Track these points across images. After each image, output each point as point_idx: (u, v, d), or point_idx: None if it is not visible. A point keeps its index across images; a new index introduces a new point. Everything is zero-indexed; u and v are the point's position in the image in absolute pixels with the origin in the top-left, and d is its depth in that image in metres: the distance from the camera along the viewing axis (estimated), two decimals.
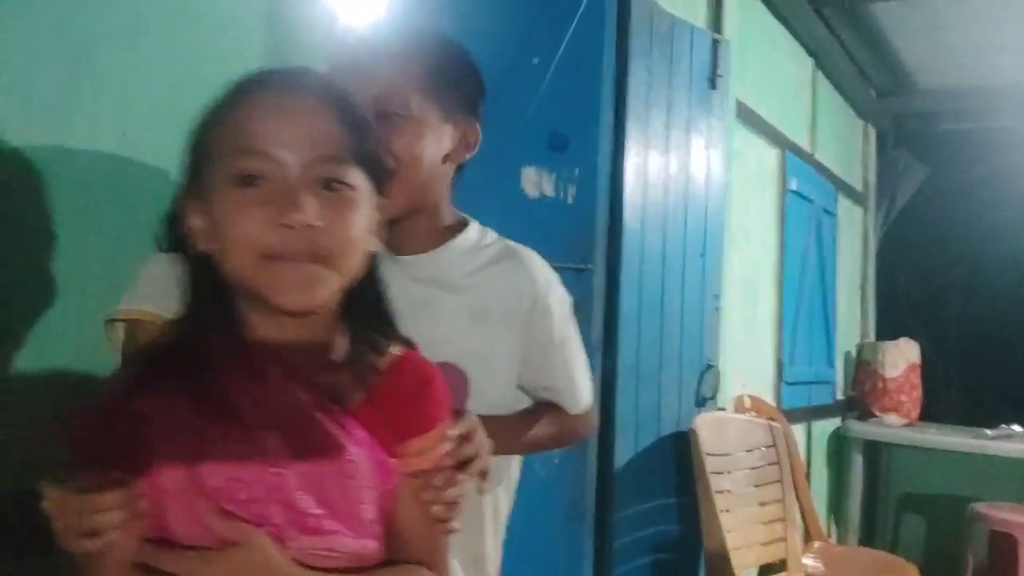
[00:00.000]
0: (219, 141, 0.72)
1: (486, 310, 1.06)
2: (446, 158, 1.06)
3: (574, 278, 1.88)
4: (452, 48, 1.06)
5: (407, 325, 0.93)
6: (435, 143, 1.02)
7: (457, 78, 1.04)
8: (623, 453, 2.38)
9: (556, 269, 1.91)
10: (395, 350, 0.80)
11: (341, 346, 0.77)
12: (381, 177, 0.78)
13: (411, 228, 1.04)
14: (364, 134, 0.76)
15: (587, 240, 1.92)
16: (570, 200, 1.89)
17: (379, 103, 0.96)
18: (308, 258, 0.69)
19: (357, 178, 0.73)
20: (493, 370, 1.07)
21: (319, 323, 0.76)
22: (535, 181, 1.84)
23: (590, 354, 1.99)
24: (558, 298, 1.15)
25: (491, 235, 1.14)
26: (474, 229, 1.12)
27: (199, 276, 0.75)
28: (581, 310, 1.96)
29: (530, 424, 1.13)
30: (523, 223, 1.84)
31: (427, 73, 1.00)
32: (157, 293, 0.95)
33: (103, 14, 1.27)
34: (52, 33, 1.20)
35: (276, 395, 0.72)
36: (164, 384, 0.71)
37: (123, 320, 0.99)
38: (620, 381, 2.34)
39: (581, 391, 1.19)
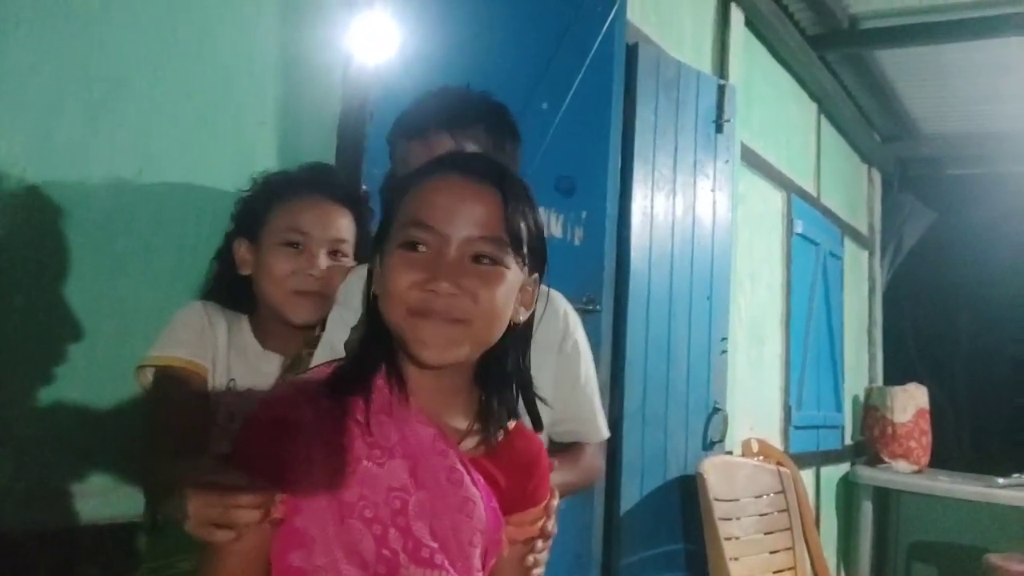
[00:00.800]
0: (401, 208, 0.83)
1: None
2: None
3: (583, 320, 1.88)
4: (502, 119, 1.25)
5: None
6: None
7: (506, 135, 1.24)
8: (629, 498, 2.34)
9: None
10: (526, 416, 0.89)
11: (473, 403, 0.86)
12: (534, 254, 0.85)
13: None
14: (520, 215, 0.83)
15: (595, 281, 1.93)
16: (577, 242, 1.90)
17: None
18: (447, 320, 0.78)
19: (507, 257, 0.81)
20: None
21: (459, 377, 0.85)
22: (544, 224, 1.85)
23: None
24: (583, 334, 1.27)
25: None
26: None
27: (373, 315, 0.85)
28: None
29: (572, 465, 1.21)
30: None
31: (495, 135, 1.21)
32: (191, 339, 1.16)
33: (124, 58, 1.30)
34: (74, 75, 1.23)
35: (414, 428, 0.81)
36: (325, 400, 0.79)
37: (153, 365, 1.14)
38: (626, 424, 2.33)
39: (602, 421, 1.30)
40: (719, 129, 2.83)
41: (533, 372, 1.10)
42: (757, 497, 2.82)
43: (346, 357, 0.88)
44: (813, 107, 4.38)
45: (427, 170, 0.85)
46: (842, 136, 4.79)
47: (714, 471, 2.59)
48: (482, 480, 0.82)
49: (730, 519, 2.63)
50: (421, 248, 0.80)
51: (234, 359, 1.20)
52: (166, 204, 1.35)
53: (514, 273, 0.82)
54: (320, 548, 0.75)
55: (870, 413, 4.52)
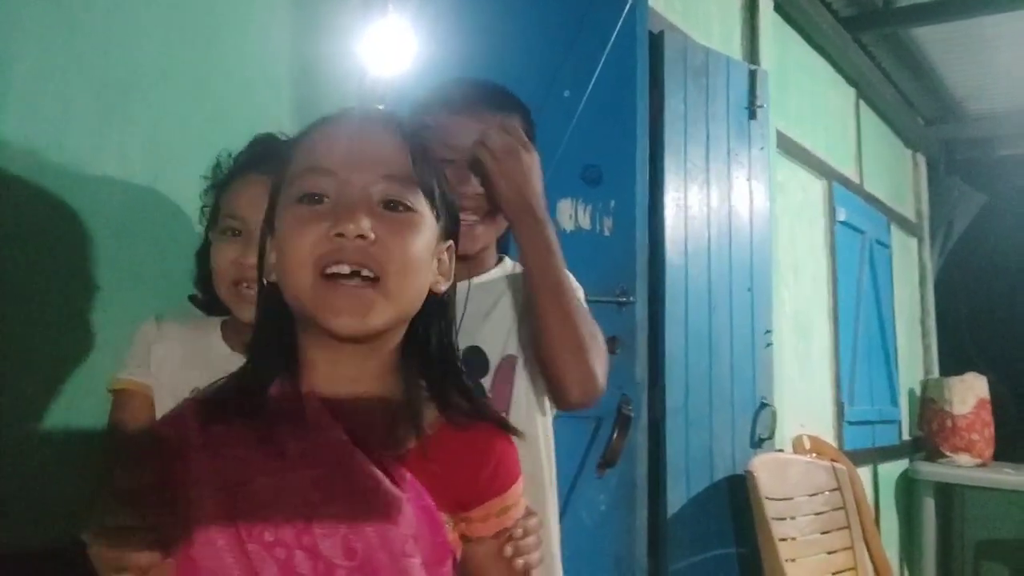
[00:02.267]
0: (289, 168, 0.74)
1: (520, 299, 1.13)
2: None
3: (615, 312, 1.81)
4: (529, 110, 1.19)
5: (477, 332, 1.06)
6: None
7: (533, 136, 1.16)
8: (675, 499, 2.25)
9: (597, 302, 1.86)
10: (460, 401, 0.77)
11: (397, 393, 0.75)
12: (448, 217, 0.78)
13: (464, 264, 1.11)
14: (431, 168, 0.76)
15: (627, 272, 1.85)
16: (607, 232, 1.83)
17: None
18: (359, 272, 0.68)
19: (420, 204, 0.73)
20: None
21: (376, 362, 0.74)
22: (571, 214, 1.79)
23: (635, 392, 1.93)
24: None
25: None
26: (509, 260, 1.20)
27: (265, 310, 0.76)
28: (624, 344, 1.89)
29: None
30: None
31: (520, 127, 1.11)
32: (133, 360, 1.11)
33: (136, 64, 1.29)
34: (86, 81, 1.22)
35: (320, 433, 0.69)
36: (215, 414, 0.70)
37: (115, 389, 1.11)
38: (669, 422, 2.24)
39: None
40: (752, 115, 2.74)
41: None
42: (812, 495, 2.70)
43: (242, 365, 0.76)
44: (851, 91, 4.24)
45: (314, 123, 0.75)
46: (883, 120, 4.63)
47: (764, 469, 2.48)
48: (410, 478, 0.70)
49: (784, 519, 2.52)
50: (324, 200, 0.70)
51: (195, 368, 1.06)
52: (180, 211, 1.32)
53: (429, 225, 0.73)
54: None
55: (927, 406, 4.33)
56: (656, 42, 2.37)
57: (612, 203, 1.85)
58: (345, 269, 0.68)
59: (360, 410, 0.71)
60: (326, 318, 0.68)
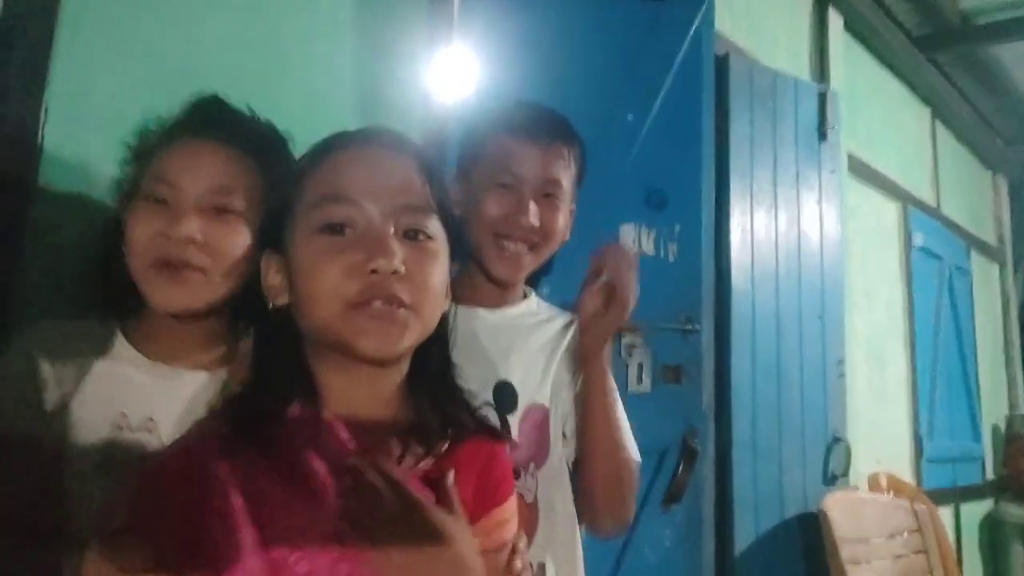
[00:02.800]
0: (303, 194, 0.72)
1: (554, 350, 1.12)
2: (564, 232, 1.15)
3: (680, 340, 1.76)
4: (583, 144, 1.16)
5: (497, 370, 1.03)
6: (568, 220, 1.12)
7: (584, 166, 1.14)
8: (743, 537, 2.15)
9: (661, 330, 1.82)
10: (464, 416, 0.78)
11: (407, 413, 0.75)
12: (453, 236, 0.78)
13: (495, 290, 1.11)
14: (443, 190, 0.77)
15: (692, 299, 1.80)
16: (672, 258, 1.79)
17: (547, 186, 1.07)
18: (392, 303, 0.69)
19: (437, 230, 0.73)
20: (562, 403, 1.10)
21: (388, 383, 0.74)
22: (634, 238, 1.76)
23: (702, 424, 1.86)
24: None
25: (546, 304, 1.20)
26: (535, 296, 1.19)
27: (277, 334, 0.74)
28: (689, 374, 1.83)
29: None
30: None
31: (578, 165, 1.12)
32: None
33: (198, 84, 1.31)
34: (157, 102, 1.25)
35: (339, 454, 0.69)
36: (231, 443, 0.67)
37: None
38: (736, 454, 2.15)
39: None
40: (822, 137, 2.66)
41: (560, 380, 1.08)
42: (890, 537, 2.55)
43: (247, 385, 0.74)
44: (926, 112, 4.08)
45: (327, 145, 0.74)
46: (960, 141, 4.44)
47: (838, 508, 2.35)
48: (432, 496, 0.70)
49: (859, 562, 2.38)
50: (347, 231, 0.69)
51: (93, 390, 0.89)
52: None
53: (444, 249, 0.74)
54: None
55: (1013, 442, 4.08)
56: (721, 66, 2.33)
57: (677, 228, 1.81)
58: (379, 304, 0.68)
59: (375, 431, 0.71)
60: (357, 341, 0.68)
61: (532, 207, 1.04)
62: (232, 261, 0.89)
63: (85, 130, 1.14)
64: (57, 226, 1.10)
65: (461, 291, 0.93)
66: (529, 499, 1.00)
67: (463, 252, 0.85)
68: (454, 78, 1.70)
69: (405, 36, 1.65)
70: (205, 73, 1.30)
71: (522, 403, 1.05)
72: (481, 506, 0.74)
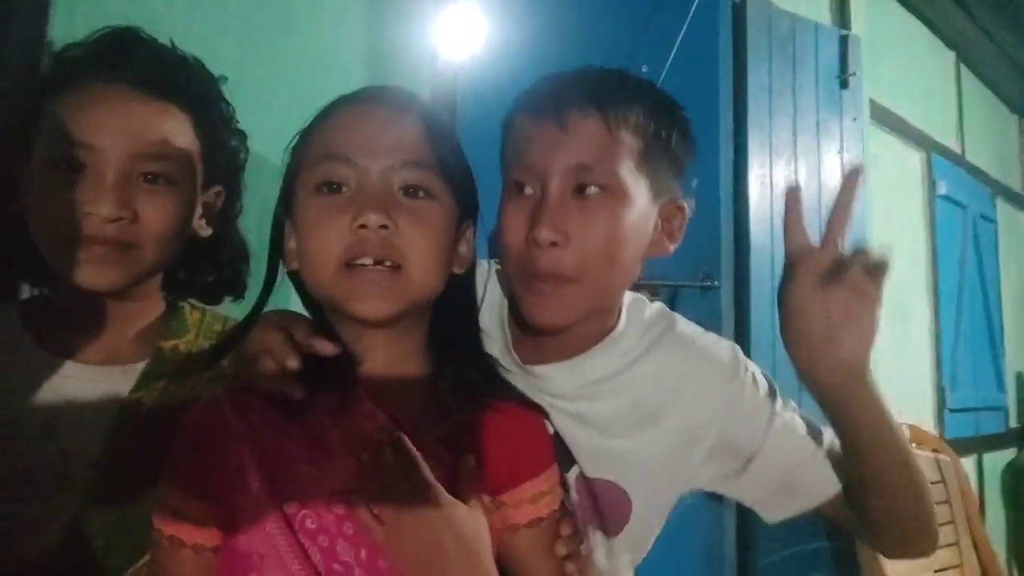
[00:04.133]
0: (306, 154, 0.73)
1: (655, 416, 0.84)
2: (648, 249, 0.83)
3: (698, 297, 1.73)
4: (664, 98, 0.82)
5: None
6: (641, 228, 0.80)
7: (672, 141, 0.80)
8: None
9: (679, 288, 1.79)
10: (480, 382, 0.75)
11: (429, 371, 0.75)
12: (467, 197, 0.75)
13: (565, 336, 0.81)
14: (449, 147, 0.74)
15: (711, 256, 1.77)
16: (689, 213, 1.75)
17: (580, 173, 0.75)
18: (383, 261, 0.68)
19: (439, 188, 0.72)
20: (658, 480, 0.87)
21: (405, 346, 0.74)
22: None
23: None
24: (753, 384, 0.92)
25: (667, 317, 0.90)
26: (623, 322, 0.87)
27: (301, 297, 0.77)
28: (707, 331, 1.80)
29: None
30: None
31: (645, 133, 0.77)
32: None
33: (214, 57, 1.29)
34: None
35: (356, 420, 0.69)
36: (253, 402, 0.70)
37: None
38: None
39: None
40: (844, 84, 2.57)
41: (653, 452, 0.85)
42: None
43: None
44: (950, 55, 3.95)
45: (331, 106, 0.74)
46: (986, 85, 4.31)
47: None
48: (448, 461, 0.69)
49: None
50: (344, 189, 0.69)
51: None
52: (256, 195, 1.33)
53: (448, 210, 0.72)
54: (273, 567, 0.65)
55: None
56: (738, 11, 2.24)
57: (694, 182, 1.76)
58: (368, 261, 0.68)
59: (393, 395, 0.71)
60: (350, 304, 0.69)
61: (549, 215, 0.74)
62: (165, 238, 0.79)
63: None
64: None
65: (522, 346, 0.83)
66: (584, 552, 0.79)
67: (473, 211, 0.76)
68: (463, 34, 1.66)
69: None
70: (213, 34, 1.28)
71: (581, 468, 0.85)
72: (510, 476, 0.72)
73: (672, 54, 1.76)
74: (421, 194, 0.70)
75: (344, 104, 0.73)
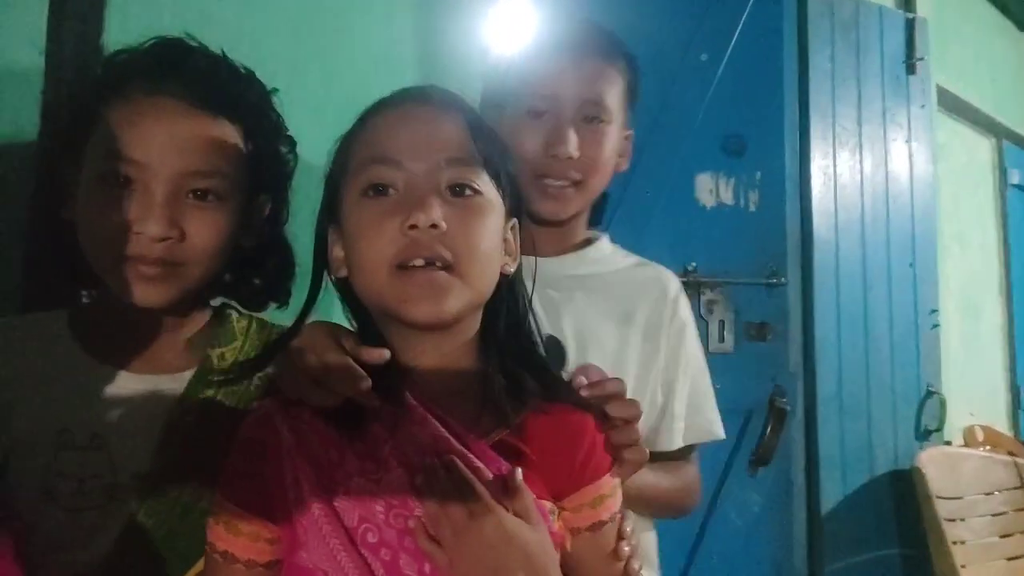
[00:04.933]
0: (350, 159, 0.72)
1: (629, 314, 0.99)
2: (616, 163, 1.02)
3: (764, 294, 1.66)
4: (628, 50, 1.02)
5: (555, 321, 0.94)
6: (616, 148, 1.00)
7: (637, 84, 1.01)
8: (830, 495, 2.06)
9: (744, 285, 1.72)
10: (534, 384, 0.73)
11: (481, 376, 0.72)
12: (512, 194, 0.75)
13: (550, 234, 0.99)
14: (494, 145, 0.73)
15: (777, 251, 1.69)
16: (753, 207, 1.68)
17: (585, 107, 0.94)
18: (434, 263, 0.66)
19: (486, 185, 0.71)
20: (634, 380, 0.97)
21: (456, 349, 0.72)
22: (711, 188, 1.65)
23: (790, 383, 1.77)
24: (693, 321, 1.06)
25: (623, 251, 1.08)
26: (606, 241, 1.06)
27: (346, 306, 0.76)
28: (775, 330, 1.73)
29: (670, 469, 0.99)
30: (699, 235, 1.66)
31: (627, 81, 0.99)
32: None
33: (267, 57, 1.28)
34: None
35: (408, 431, 0.67)
36: (303, 413, 0.68)
37: None
38: (821, 412, 2.05)
39: (717, 418, 1.06)
40: (911, 70, 2.45)
41: (630, 350, 0.97)
42: (988, 494, 2.41)
43: None
44: (1021, 37, 3.76)
45: (372, 109, 0.72)
46: None
47: (934, 464, 2.23)
48: (506, 467, 0.66)
49: (955, 520, 2.26)
50: (391, 192, 0.68)
51: (35, 399, 0.77)
52: (306, 200, 1.31)
53: (496, 206, 0.71)
54: None
55: None
56: None
57: (758, 175, 1.70)
58: (420, 262, 0.66)
59: (446, 400, 0.70)
60: (405, 309, 0.67)
61: (571, 135, 0.92)
62: (212, 253, 0.78)
63: None
64: None
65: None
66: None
67: (520, 209, 0.77)
68: (514, 29, 1.62)
69: None
70: (264, 34, 1.27)
71: (572, 358, 0.96)
72: (570, 481, 0.70)
73: (732, 43, 1.69)
74: (468, 192, 0.69)
75: (384, 107, 0.72)
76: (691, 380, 1.03)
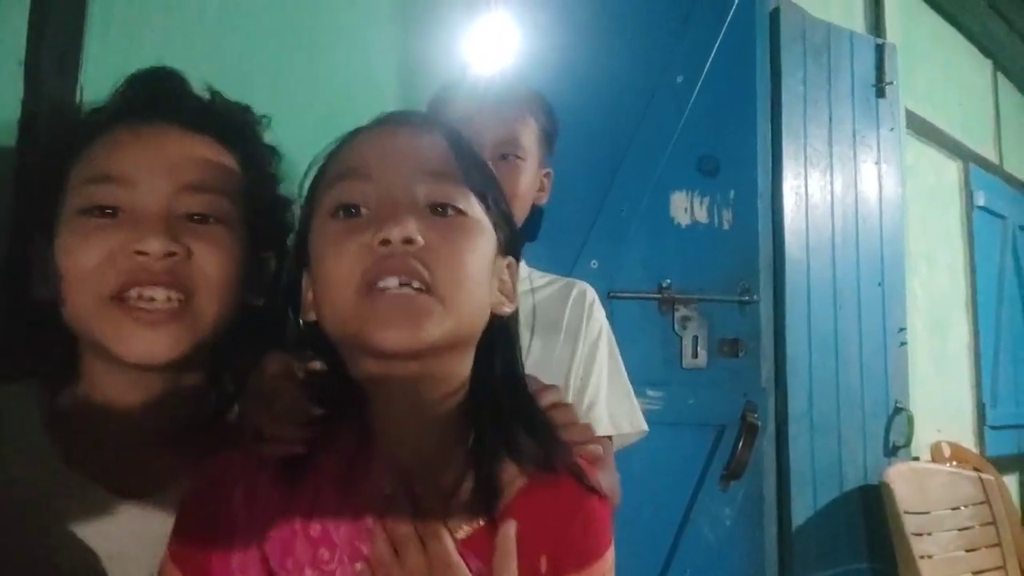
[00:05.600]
0: (320, 184, 0.64)
1: (555, 323, 1.07)
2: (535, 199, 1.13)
3: (737, 311, 1.69)
4: (548, 102, 1.14)
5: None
6: (533, 184, 1.09)
7: (553, 129, 1.13)
8: (800, 511, 2.09)
9: (717, 302, 1.75)
10: (530, 447, 0.64)
11: (467, 436, 0.63)
12: (506, 228, 0.67)
13: None
14: (482, 171, 0.67)
15: (750, 269, 1.72)
16: (726, 226, 1.71)
17: (502, 147, 1.03)
18: (410, 283, 0.57)
19: (472, 207, 0.63)
20: (557, 378, 1.02)
21: (439, 398, 0.62)
22: (686, 207, 1.68)
23: (761, 399, 1.79)
24: (607, 324, 1.14)
25: (539, 271, 1.16)
26: (523, 264, 1.10)
27: (316, 350, 0.66)
28: (747, 347, 1.76)
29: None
30: (674, 252, 1.69)
31: (541, 126, 1.09)
32: None
33: (247, 71, 1.28)
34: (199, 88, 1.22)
35: (368, 488, 0.59)
36: (257, 463, 0.62)
37: None
38: (792, 428, 2.08)
39: (638, 411, 1.11)
40: (880, 93, 2.52)
41: (546, 357, 1.00)
42: (954, 509, 2.46)
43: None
44: (987, 63, 3.87)
45: (351, 133, 0.66)
46: None
47: (901, 480, 2.27)
48: (477, 564, 0.59)
49: (923, 535, 2.30)
50: (363, 211, 0.59)
51: None
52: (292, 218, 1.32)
53: (486, 231, 0.63)
54: None
55: None
56: (772, 20, 2.21)
57: (731, 194, 1.73)
58: (393, 282, 0.57)
59: (424, 461, 0.61)
60: (372, 334, 0.57)
61: None
62: (221, 283, 0.68)
63: None
64: None
65: None
66: None
67: (516, 247, 0.70)
68: (494, 48, 1.64)
69: (443, 6, 1.61)
70: (245, 51, 1.27)
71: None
72: (564, 562, 0.62)
73: (707, 65, 1.73)
74: (451, 211, 0.61)
75: (360, 130, 0.66)
76: (608, 376, 1.08)
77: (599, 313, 1.12)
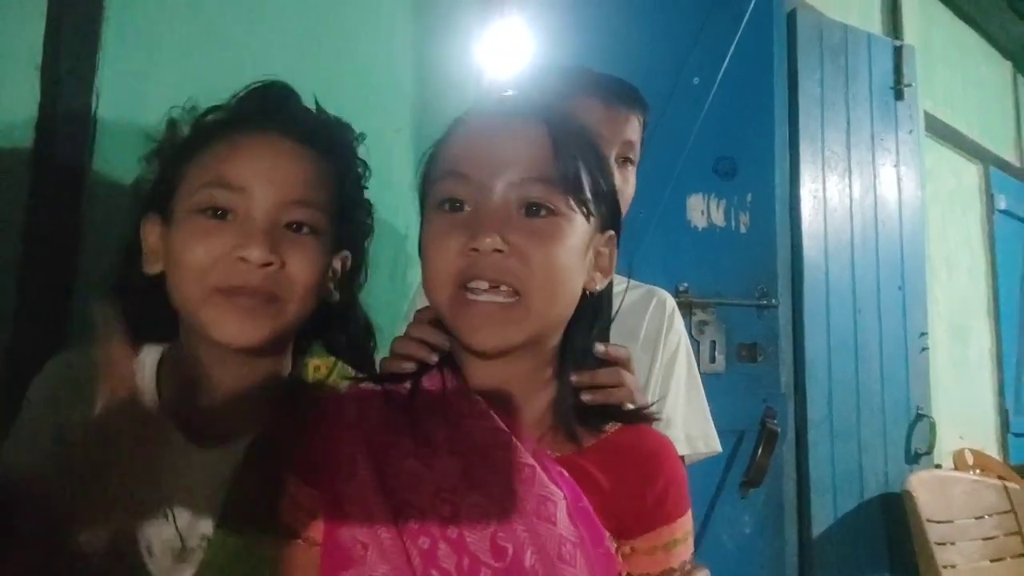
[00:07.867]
0: (431, 169, 0.70)
1: (633, 331, 1.03)
2: None
3: (755, 315, 1.67)
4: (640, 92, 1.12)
5: None
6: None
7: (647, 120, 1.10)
8: (820, 518, 2.06)
9: (735, 306, 1.73)
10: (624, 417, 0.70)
11: (554, 393, 0.69)
12: (606, 205, 0.70)
13: None
14: (581, 157, 0.68)
15: (768, 272, 1.70)
16: (743, 229, 1.69)
17: (625, 148, 1.02)
18: (498, 287, 0.63)
19: (565, 204, 0.65)
20: None
21: (527, 366, 0.68)
22: (702, 210, 1.66)
23: (780, 404, 1.77)
24: (686, 337, 1.11)
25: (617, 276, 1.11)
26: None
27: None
28: (766, 352, 1.74)
29: None
30: (691, 256, 1.67)
31: (641, 121, 1.06)
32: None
33: (265, 65, 1.28)
34: (215, 84, 1.22)
35: (467, 423, 0.66)
36: (375, 397, 0.69)
37: None
38: (811, 434, 2.05)
39: (713, 431, 1.09)
40: (899, 96, 2.49)
41: (639, 370, 0.95)
42: (978, 518, 2.40)
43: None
44: (1007, 65, 3.83)
45: (457, 121, 0.70)
46: None
47: (924, 488, 2.23)
48: (566, 476, 0.64)
49: (945, 544, 2.25)
50: (465, 207, 0.65)
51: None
52: None
53: (578, 227, 0.65)
54: (377, 560, 0.61)
55: None
56: (788, 22, 2.19)
57: (748, 197, 1.71)
58: (483, 285, 0.63)
59: (517, 408, 0.67)
60: (464, 335, 0.65)
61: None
62: (308, 289, 0.76)
63: (139, 115, 1.12)
64: (109, 223, 1.07)
65: None
66: None
67: (616, 221, 0.72)
68: (509, 51, 1.64)
69: (459, 11, 1.61)
70: (262, 52, 1.27)
71: None
72: (643, 520, 0.65)
73: (724, 67, 1.71)
74: (543, 212, 0.64)
75: (467, 119, 0.70)
76: (686, 392, 1.05)
77: (679, 324, 1.09)
